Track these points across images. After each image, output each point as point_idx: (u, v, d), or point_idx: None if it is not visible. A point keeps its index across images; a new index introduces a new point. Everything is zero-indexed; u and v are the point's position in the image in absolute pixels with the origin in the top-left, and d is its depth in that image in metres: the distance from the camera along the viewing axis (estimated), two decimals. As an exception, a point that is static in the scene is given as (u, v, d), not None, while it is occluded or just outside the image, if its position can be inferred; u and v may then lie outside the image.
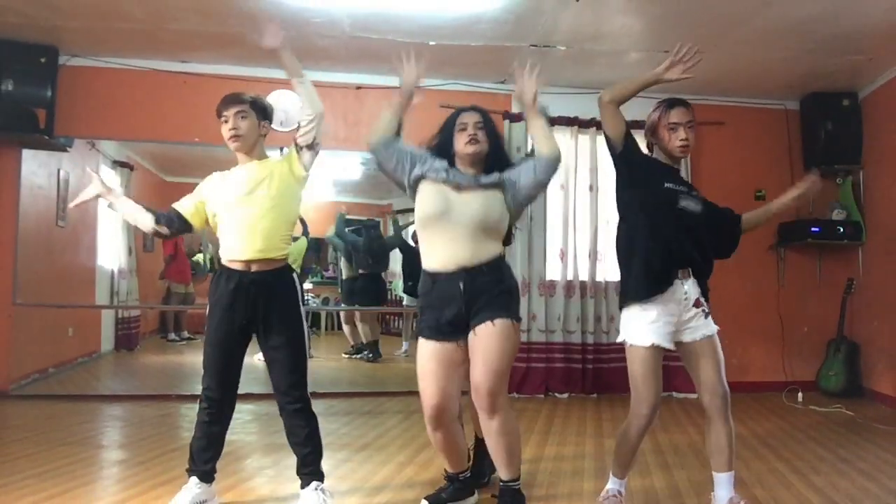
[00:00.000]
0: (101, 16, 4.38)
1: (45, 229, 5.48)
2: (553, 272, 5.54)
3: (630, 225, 2.60)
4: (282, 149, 4.64)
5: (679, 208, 2.53)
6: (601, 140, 5.61)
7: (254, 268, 2.61)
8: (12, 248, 5.01)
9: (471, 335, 2.49)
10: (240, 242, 2.60)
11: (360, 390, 5.48)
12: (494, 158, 2.62)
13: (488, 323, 2.45)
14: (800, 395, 5.28)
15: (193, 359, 7.06)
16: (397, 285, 6.95)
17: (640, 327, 2.49)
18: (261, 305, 2.61)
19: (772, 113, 5.83)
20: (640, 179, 2.58)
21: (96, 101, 5.11)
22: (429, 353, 2.52)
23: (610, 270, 5.60)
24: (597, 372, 5.45)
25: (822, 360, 5.58)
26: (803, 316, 5.76)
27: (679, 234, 2.52)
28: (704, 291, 2.58)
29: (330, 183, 6.79)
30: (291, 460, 2.80)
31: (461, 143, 2.57)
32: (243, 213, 2.60)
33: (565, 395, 5.39)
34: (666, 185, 2.55)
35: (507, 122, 5.46)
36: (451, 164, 2.59)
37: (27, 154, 5.11)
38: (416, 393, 5.04)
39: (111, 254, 6.68)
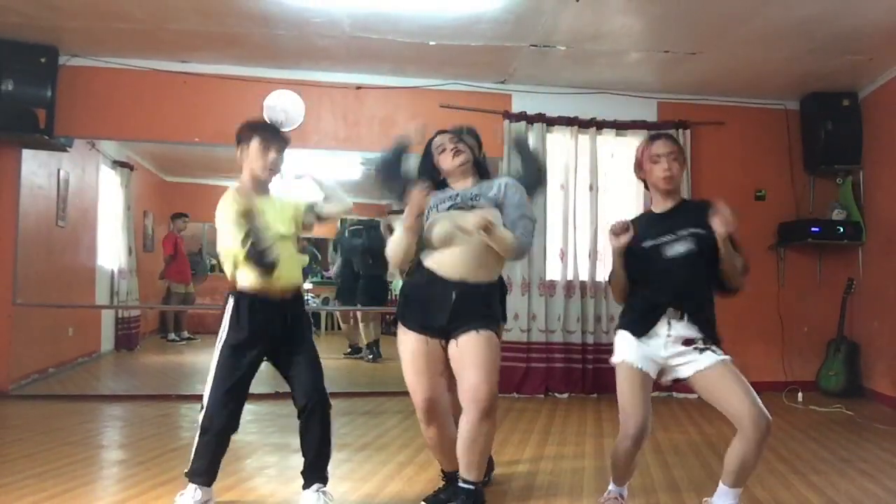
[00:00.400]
0: (101, 16, 4.38)
1: (45, 229, 5.48)
2: (553, 272, 5.54)
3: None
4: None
5: (666, 259, 2.45)
6: (601, 140, 5.66)
7: (288, 296, 2.72)
8: (12, 248, 5.01)
9: (452, 346, 2.52)
10: (283, 273, 2.66)
11: (360, 390, 5.48)
12: (477, 165, 2.75)
13: (472, 332, 2.49)
14: (800, 395, 5.28)
15: (193, 359, 7.06)
16: (398, 285, 6.95)
17: (625, 348, 2.48)
18: (290, 326, 2.71)
19: (772, 113, 5.83)
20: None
21: (96, 101, 5.11)
22: (414, 347, 2.55)
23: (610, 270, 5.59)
24: (597, 372, 5.44)
25: (822, 360, 5.58)
26: (803, 316, 5.76)
27: (668, 281, 2.45)
28: (705, 327, 2.45)
29: (330, 183, 6.78)
30: (291, 460, 2.81)
31: (448, 161, 2.66)
32: (285, 247, 2.69)
33: (565, 395, 5.39)
34: (644, 244, 2.48)
35: (506, 122, 5.47)
36: (444, 186, 2.69)
37: (27, 154, 5.10)
38: (416, 393, 5.05)
39: (111, 254, 6.68)
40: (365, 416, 4.53)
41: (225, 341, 2.65)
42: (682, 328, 2.44)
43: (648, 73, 5.26)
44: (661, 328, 2.44)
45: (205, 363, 2.74)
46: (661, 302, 2.45)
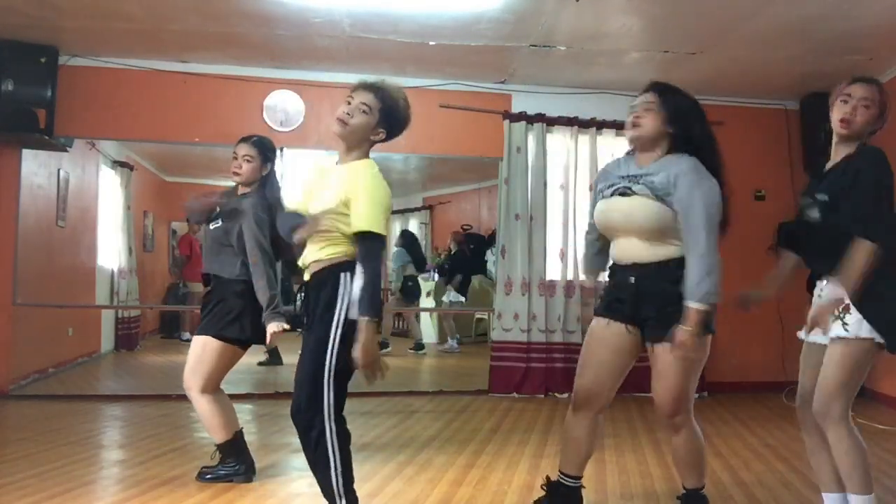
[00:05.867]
0: (101, 16, 4.38)
1: (45, 229, 5.48)
2: (553, 272, 5.54)
3: None
4: (282, 148, 4.68)
5: (804, 221, 2.46)
6: (601, 140, 5.66)
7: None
8: (12, 248, 5.00)
9: (648, 347, 2.41)
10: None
11: (361, 390, 5.46)
12: (680, 139, 2.42)
13: (666, 345, 2.30)
14: (800, 395, 5.27)
15: (193, 359, 7.06)
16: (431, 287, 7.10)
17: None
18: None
19: (772, 113, 5.83)
20: None
21: (96, 101, 5.11)
22: (594, 332, 2.48)
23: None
24: (597, 372, 5.44)
25: (822, 360, 5.58)
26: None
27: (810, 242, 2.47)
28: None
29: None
30: (292, 460, 2.80)
31: (626, 131, 2.48)
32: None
33: (565, 395, 5.38)
34: (801, 200, 2.49)
35: (506, 122, 5.47)
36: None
37: (27, 154, 5.10)
38: (416, 393, 5.06)
39: (111, 254, 6.68)
40: (365, 416, 4.53)
41: (346, 325, 2.17)
42: (830, 287, 2.43)
43: (648, 73, 5.24)
44: (818, 287, 2.50)
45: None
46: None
